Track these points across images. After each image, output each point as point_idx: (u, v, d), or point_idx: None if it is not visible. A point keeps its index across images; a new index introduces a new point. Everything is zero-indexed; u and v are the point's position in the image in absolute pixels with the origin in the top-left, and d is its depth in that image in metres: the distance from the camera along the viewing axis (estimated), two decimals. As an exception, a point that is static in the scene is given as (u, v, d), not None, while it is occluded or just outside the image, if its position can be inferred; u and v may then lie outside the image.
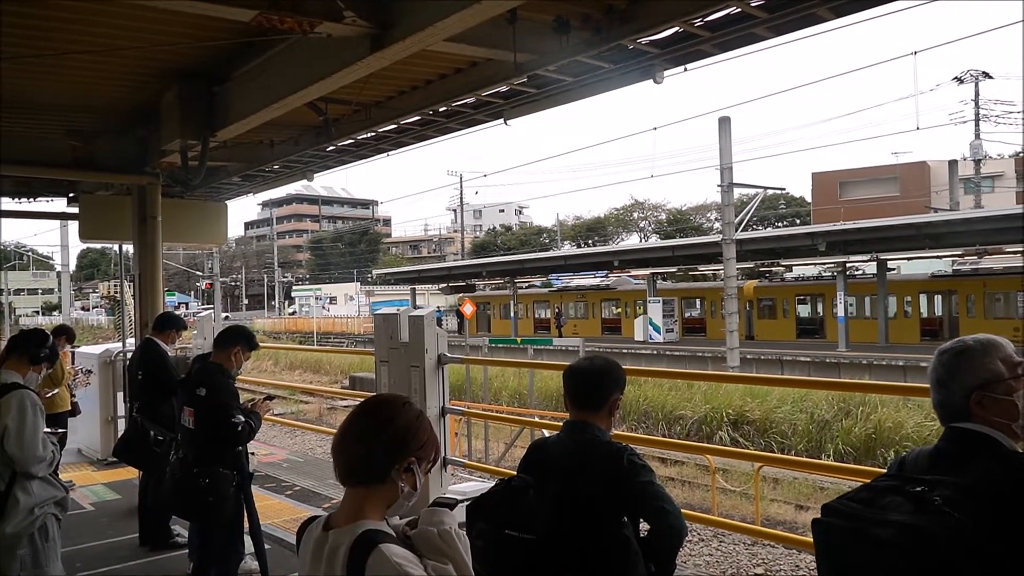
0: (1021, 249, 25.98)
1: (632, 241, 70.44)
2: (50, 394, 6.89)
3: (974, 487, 1.70)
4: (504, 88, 6.40)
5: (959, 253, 29.33)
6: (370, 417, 1.86)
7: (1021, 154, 52.41)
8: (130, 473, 7.78)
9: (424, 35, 4.33)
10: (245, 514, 4.87)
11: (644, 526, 2.62)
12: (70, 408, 8.30)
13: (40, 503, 4.08)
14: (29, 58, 5.70)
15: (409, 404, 1.90)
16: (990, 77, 42.86)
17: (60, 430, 4.78)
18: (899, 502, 1.73)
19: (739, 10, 4.67)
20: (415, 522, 1.87)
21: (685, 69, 5.68)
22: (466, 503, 2.65)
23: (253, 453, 5.16)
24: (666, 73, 5.58)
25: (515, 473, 2.78)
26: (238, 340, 4.75)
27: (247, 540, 4.97)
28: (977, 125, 42.83)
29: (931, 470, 1.86)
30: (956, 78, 42.46)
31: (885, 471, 2.12)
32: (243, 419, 4.59)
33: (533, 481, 2.59)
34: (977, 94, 42.73)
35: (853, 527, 1.76)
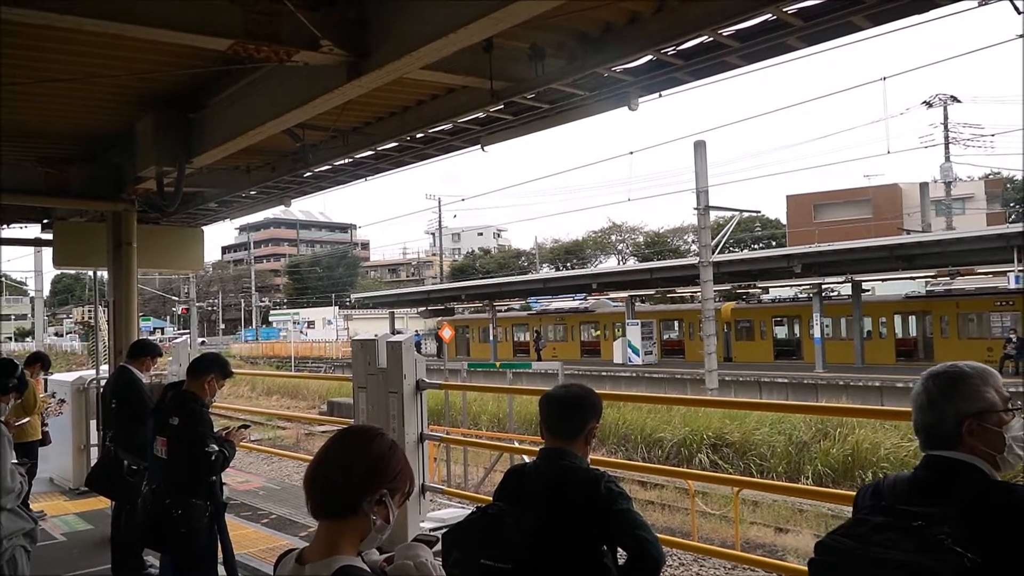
0: (992, 270, 26.43)
1: (610, 264, 70.75)
2: (19, 423, 6.78)
3: (979, 520, 1.68)
4: (481, 114, 6.44)
5: (932, 274, 29.74)
6: (340, 449, 1.83)
7: (991, 176, 53.43)
8: (103, 503, 7.65)
9: (400, 63, 4.37)
10: (219, 544, 4.80)
11: (622, 553, 2.62)
12: (40, 438, 8.17)
13: (8, 535, 3.99)
14: (3, 85, 5.66)
15: (381, 435, 1.87)
16: (958, 101, 43.72)
17: (28, 461, 4.70)
18: (896, 539, 1.70)
19: (711, 39, 4.75)
20: (392, 558, 1.85)
21: (660, 95, 5.76)
22: (443, 532, 2.64)
23: (225, 483, 5.10)
24: (641, 100, 5.65)
25: (492, 500, 2.77)
26: (212, 368, 4.71)
27: (221, 571, 4.90)
28: (947, 148, 43.58)
29: (911, 499, 1.84)
30: (925, 102, 43.29)
31: (854, 494, 2.12)
32: (217, 448, 4.54)
33: (510, 509, 2.58)
34: (946, 118, 43.55)
35: (852, 567, 1.74)
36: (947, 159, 43.84)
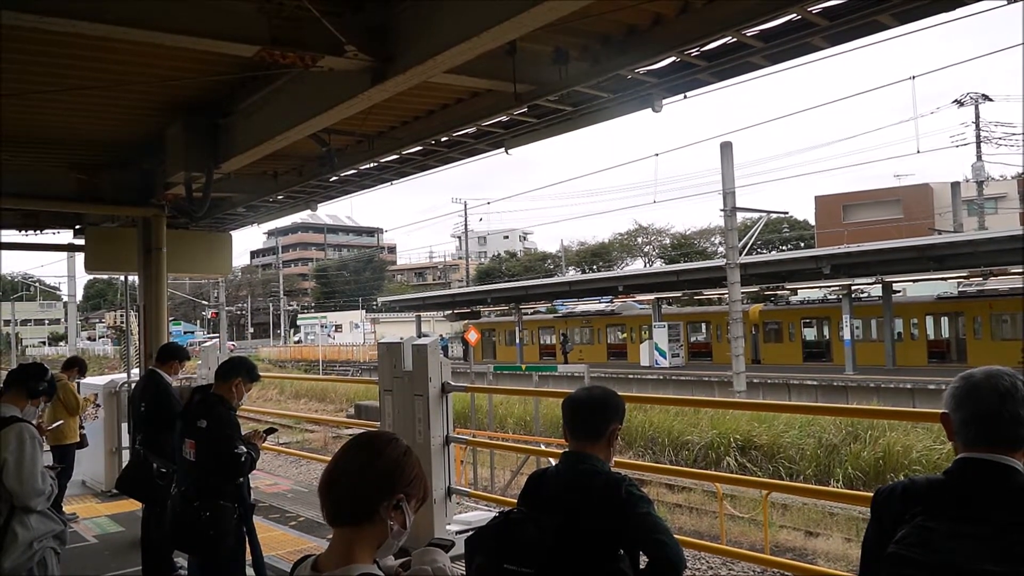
0: (1026, 270, 25.94)
1: (636, 266, 70.46)
2: (52, 427, 6.89)
3: None
4: (505, 118, 6.45)
5: (964, 275, 29.26)
6: (355, 455, 1.82)
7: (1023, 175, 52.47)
8: (134, 505, 7.75)
9: (424, 68, 4.39)
10: (247, 546, 4.84)
11: (644, 558, 2.60)
12: (78, 440, 8.31)
13: (39, 537, 4.05)
14: (35, 93, 5.77)
15: (396, 440, 1.86)
16: (990, 100, 43.00)
17: (59, 465, 4.77)
18: (975, 548, 1.69)
19: (735, 39, 4.72)
20: (408, 563, 1.84)
21: (684, 97, 5.74)
22: (466, 537, 2.64)
23: (253, 486, 5.15)
24: (665, 101, 5.62)
25: (515, 505, 2.76)
26: (239, 372, 4.75)
27: (249, 572, 4.94)
28: (978, 147, 42.87)
29: (956, 504, 1.80)
30: (956, 101, 42.63)
31: (873, 494, 2.07)
32: (245, 450, 4.58)
33: (532, 513, 2.57)
34: (977, 116, 42.85)
35: None
36: (979, 158, 43.15)
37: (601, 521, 2.49)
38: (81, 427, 8.37)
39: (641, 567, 2.55)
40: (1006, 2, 4.18)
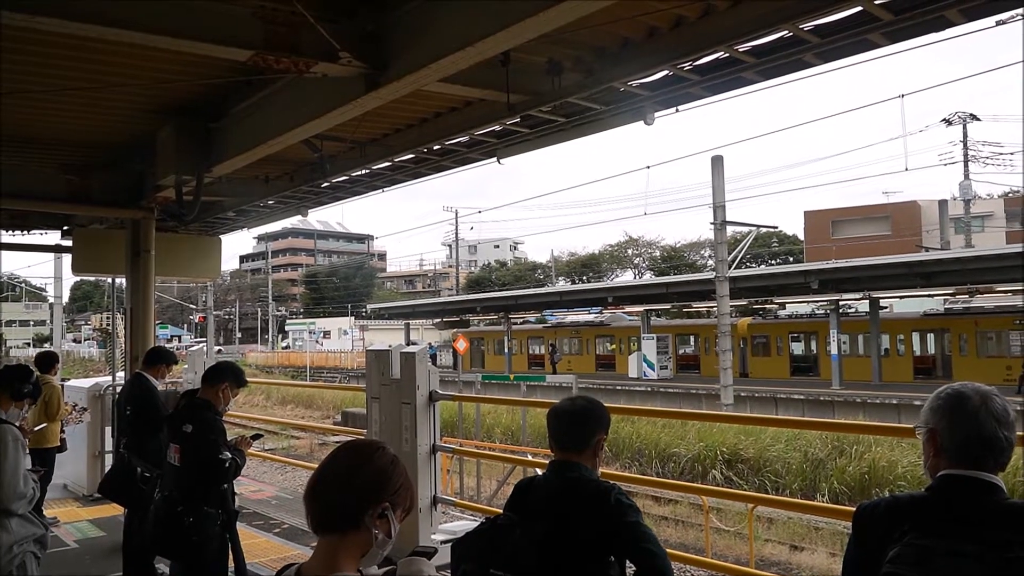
0: (1012, 288, 26.15)
1: (626, 277, 70.53)
2: (35, 429, 6.81)
3: None
4: (497, 127, 6.47)
5: (951, 292, 29.46)
6: (342, 463, 1.82)
7: (1010, 194, 52.92)
8: (116, 510, 7.66)
9: (418, 75, 4.40)
10: (230, 553, 4.80)
11: (631, 567, 2.59)
12: (59, 444, 8.20)
13: (19, 540, 4.01)
14: (27, 93, 5.75)
15: (383, 449, 1.86)
16: (978, 119, 43.38)
17: (42, 468, 4.72)
18: (965, 564, 1.70)
19: (728, 55, 4.75)
20: (392, 571, 1.83)
21: (676, 110, 5.77)
22: (451, 543, 2.62)
23: (238, 492, 5.11)
24: (657, 114, 5.66)
25: (502, 512, 2.75)
26: (226, 376, 4.72)
27: (232, 579, 4.90)
28: (966, 166, 43.25)
29: (947, 521, 1.80)
30: (945, 120, 42.99)
31: (855, 510, 2.06)
32: (230, 456, 4.55)
33: (519, 520, 2.56)
34: (965, 135, 43.23)
35: None
36: (966, 177, 43.50)
37: (589, 528, 2.49)
38: (62, 431, 8.26)
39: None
40: (995, 23, 4.23)
